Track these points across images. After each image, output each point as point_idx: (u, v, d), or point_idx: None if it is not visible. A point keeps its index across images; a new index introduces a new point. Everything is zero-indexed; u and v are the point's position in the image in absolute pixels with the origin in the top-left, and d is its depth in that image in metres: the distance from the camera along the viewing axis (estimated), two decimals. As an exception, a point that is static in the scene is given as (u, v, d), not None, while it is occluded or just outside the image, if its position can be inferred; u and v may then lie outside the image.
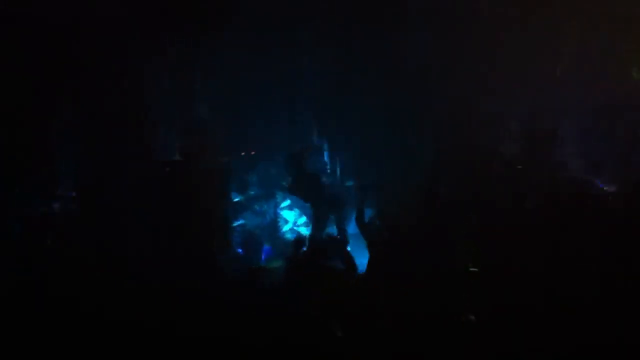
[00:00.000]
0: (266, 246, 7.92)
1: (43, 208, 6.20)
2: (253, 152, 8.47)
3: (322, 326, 4.15)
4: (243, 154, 8.37)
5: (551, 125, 7.52)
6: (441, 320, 4.12)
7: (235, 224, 7.90)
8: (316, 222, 7.40)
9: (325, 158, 8.92)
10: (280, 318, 4.23)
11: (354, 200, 6.89)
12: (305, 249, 6.57)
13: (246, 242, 7.81)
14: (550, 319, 4.09)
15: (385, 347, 3.98)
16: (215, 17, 7.38)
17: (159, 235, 6.04)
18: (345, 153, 8.76)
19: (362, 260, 5.62)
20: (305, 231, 8.19)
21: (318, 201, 7.46)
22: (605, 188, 6.50)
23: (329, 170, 8.84)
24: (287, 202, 8.50)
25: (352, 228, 6.83)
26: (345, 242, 6.08)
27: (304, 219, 8.38)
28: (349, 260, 5.43)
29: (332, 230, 7.34)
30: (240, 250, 7.66)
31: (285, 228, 8.42)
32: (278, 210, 8.50)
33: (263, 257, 7.73)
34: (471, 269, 4.80)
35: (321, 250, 5.43)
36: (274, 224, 8.40)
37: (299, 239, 6.37)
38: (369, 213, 6.50)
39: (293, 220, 8.48)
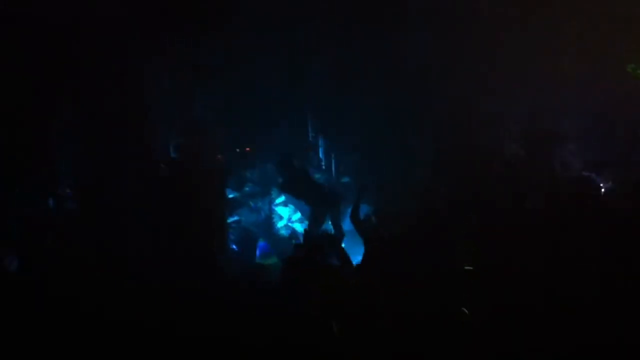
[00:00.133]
0: (261, 242, 7.93)
1: (43, 208, 6.20)
2: (248, 149, 8.48)
3: (322, 326, 4.15)
4: (238, 150, 8.38)
5: (551, 125, 7.53)
6: (441, 320, 4.12)
7: (230, 220, 7.91)
8: (312, 219, 7.41)
9: (321, 155, 8.95)
10: (280, 318, 4.23)
11: (349, 197, 6.90)
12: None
13: (241, 239, 7.83)
14: (550, 319, 4.08)
15: (385, 347, 3.98)
16: (215, 17, 7.38)
17: (158, 235, 6.04)
18: (342, 150, 8.78)
19: (357, 257, 5.64)
20: (299, 227, 8.20)
21: (313, 199, 7.47)
22: (604, 186, 6.52)
23: (324, 167, 8.87)
24: (282, 199, 8.51)
25: (347, 224, 6.84)
26: (340, 238, 6.08)
27: (298, 215, 8.40)
28: (344, 256, 5.44)
29: (328, 226, 7.36)
30: (235, 247, 7.67)
31: (280, 224, 8.43)
32: (273, 207, 8.50)
33: (258, 253, 7.74)
34: (466, 268, 4.79)
35: (317, 247, 5.44)
36: (269, 220, 8.40)
37: (298, 243, 6.42)
38: (364, 209, 6.51)
39: (288, 216, 8.49)
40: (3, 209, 5.88)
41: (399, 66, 7.94)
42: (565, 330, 4.00)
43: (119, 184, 6.42)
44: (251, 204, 8.46)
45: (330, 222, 7.42)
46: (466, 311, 4.16)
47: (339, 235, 6.80)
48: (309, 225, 7.38)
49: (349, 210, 6.38)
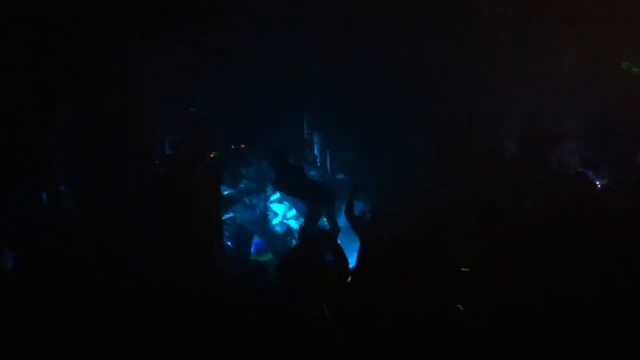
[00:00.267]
0: (256, 239, 7.93)
1: (43, 208, 6.20)
2: (243, 146, 8.49)
3: (322, 326, 4.15)
4: (233, 147, 8.39)
5: (551, 125, 7.53)
6: (441, 320, 4.12)
7: (225, 217, 7.91)
8: (307, 216, 7.41)
9: (316, 152, 8.96)
10: (279, 318, 4.23)
11: (345, 194, 6.89)
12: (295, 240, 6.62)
13: (236, 236, 7.83)
14: (550, 319, 4.08)
15: (385, 347, 3.98)
16: (215, 17, 7.38)
17: (158, 234, 6.04)
18: (339, 148, 8.79)
19: (352, 253, 5.65)
20: (294, 224, 8.20)
21: (307, 196, 7.45)
22: (600, 184, 6.53)
23: (319, 164, 8.88)
24: (277, 195, 8.51)
25: (342, 220, 6.84)
26: (335, 234, 6.07)
27: (293, 211, 8.40)
28: (340, 252, 5.44)
29: (323, 223, 7.36)
30: (229, 244, 7.67)
31: (275, 221, 8.43)
32: (268, 204, 8.50)
33: (253, 250, 7.74)
34: (463, 269, 4.79)
35: (314, 244, 5.45)
36: (264, 217, 8.40)
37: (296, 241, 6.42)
38: (358, 207, 6.51)
39: (283, 213, 8.49)
40: (3, 209, 5.87)
41: (399, 66, 7.94)
42: (565, 330, 4.00)
43: (118, 184, 6.42)
44: (246, 200, 8.46)
45: (325, 219, 7.43)
46: (461, 307, 4.16)
47: (335, 231, 6.78)
48: (304, 222, 7.37)
49: (344, 207, 6.36)
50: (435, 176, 6.89)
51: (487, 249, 5.02)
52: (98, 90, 6.64)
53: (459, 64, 7.80)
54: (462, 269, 4.79)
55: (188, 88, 8.01)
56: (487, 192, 5.99)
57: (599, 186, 6.64)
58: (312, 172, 8.66)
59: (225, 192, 8.14)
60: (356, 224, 5.92)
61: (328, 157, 8.89)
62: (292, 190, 7.66)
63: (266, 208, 8.51)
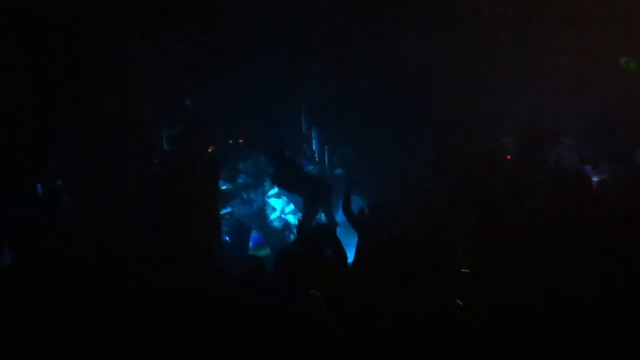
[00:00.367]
0: (254, 234, 7.93)
1: (43, 208, 6.20)
2: (241, 141, 8.50)
3: (322, 326, 4.15)
4: (231, 141, 8.40)
5: (550, 124, 7.53)
6: (441, 320, 4.12)
7: (223, 212, 7.91)
8: (305, 212, 7.40)
9: (314, 146, 8.97)
10: (279, 318, 4.23)
11: (342, 189, 6.88)
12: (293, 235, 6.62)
13: (234, 230, 7.83)
14: (550, 319, 4.08)
15: (385, 347, 3.98)
16: (215, 17, 7.38)
17: (158, 234, 6.04)
18: (336, 143, 8.79)
19: (350, 248, 5.66)
20: (292, 219, 8.20)
21: (304, 191, 7.44)
22: (598, 180, 6.54)
23: (317, 159, 8.89)
24: (275, 190, 8.51)
25: (340, 216, 6.85)
26: (334, 228, 6.06)
27: (291, 206, 8.40)
28: (339, 246, 5.45)
29: (321, 217, 7.37)
30: (227, 238, 7.67)
31: (273, 216, 8.42)
32: (266, 198, 8.50)
33: (251, 244, 7.74)
34: (463, 269, 4.80)
35: (312, 239, 5.46)
36: (262, 211, 8.40)
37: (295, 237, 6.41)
38: (356, 202, 6.50)
39: (281, 208, 8.48)
40: (3, 209, 5.87)
41: (399, 66, 7.94)
42: (565, 330, 4.00)
43: (118, 184, 6.42)
44: (244, 195, 8.46)
45: (323, 214, 7.42)
46: (460, 303, 4.16)
47: (332, 225, 6.77)
48: (302, 217, 7.37)
49: (341, 202, 6.35)
50: (435, 176, 6.89)
51: (487, 249, 5.02)
52: (98, 90, 6.64)
53: (459, 64, 7.79)
54: (462, 269, 4.79)
55: (188, 87, 8.02)
56: (487, 192, 5.99)
57: (598, 182, 6.65)
58: (310, 167, 8.66)
59: (223, 187, 8.14)
60: (354, 220, 5.92)
61: (326, 152, 8.89)
62: (290, 184, 7.64)
63: (264, 203, 8.50)
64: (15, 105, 6.19)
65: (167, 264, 5.46)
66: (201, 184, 6.41)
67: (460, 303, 4.14)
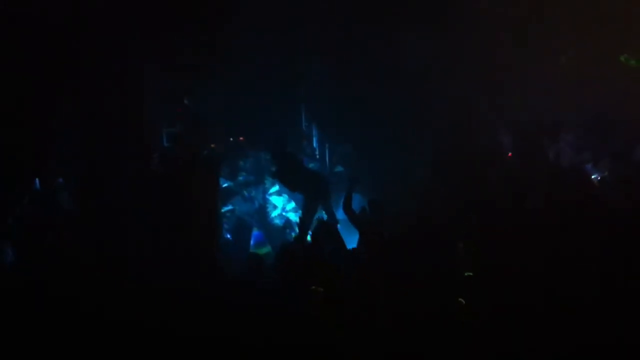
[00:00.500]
0: (255, 232, 7.93)
1: (43, 208, 6.20)
2: (242, 139, 8.51)
3: (322, 326, 4.15)
4: (231, 139, 8.41)
5: (550, 123, 7.53)
6: (441, 320, 4.12)
7: (224, 209, 7.91)
8: (304, 210, 7.39)
9: (314, 144, 8.98)
10: (279, 318, 4.23)
11: (342, 187, 6.88)
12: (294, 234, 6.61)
13: (235, 228, 7.83)
14: (550, 319, 4.08)
15: (385, 347, 3.98)
16: (215, 17, 7.39)
17: (158, 234, 6.04)
18: (336, 141, 8.80)
19: (351, 246, 5.67)
20: (294, 216, 8.19)
21: (304, 188, 7.43)
22: (598, 177, 6.54)
23: (317, 156, 8.89)
24: (276, 188, 8.51)
25: (340, 214, 6.85)
26: (335, 226, 6.07)
27: (292, 204, 8.39)
28: (340, 244, 5.46)
29: (322, 215, 7.37)
30: (229, 236, 7.67)
31: (274, 213, 8.42)
32: (267, 196, 8.50)
33: (252, 242, 7.74)
34: (463, 270, 4.80)
35: (314, 238, 5.47)
36: (263, 209, 8.40)
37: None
38: (357, 199, 6.50)
39: (282, 205, 8.48)
40: (3, 209, 5.87)
41: (399, 66, 7.94)
42: (565, 330, 4.00)
43: (118, 184, 6.42)
44: (245, 193, 8.46)
45: (323, 211, 7.42)
46: (462, 301, 4.16)
47: (333, 222, 6.76)
48: (302, 215, 7.36)
49: (342, 199, 6.35)
50: (435, 176, 6.89)
51: (487, 249, 5.02)
52: (98, 90, 6.64)
53: (459, 64, 7.79)
54: (462, 270, 4.79)
55: (188, 87, 8.03)
56: (487, 192, 5.99)
57: (598, 179, 6.66)
58: (311, 165, 8.66)
59: (224, 185, 8.15)
60: (355, 219, 5.92)
61: (326, 150, 8.90)
62: (291, 181, 7.60)
63: (265, 200, 8.50)
64: (15, 105, 6.19)
65: (167, 264, 5.45)
66: (201, 183, 6.41)
67: (463, 302, 4.15)
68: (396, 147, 7.95)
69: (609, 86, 7.81)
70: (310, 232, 7.29)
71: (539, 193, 5.81)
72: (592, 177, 6.81)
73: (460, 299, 4.19)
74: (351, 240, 5.84)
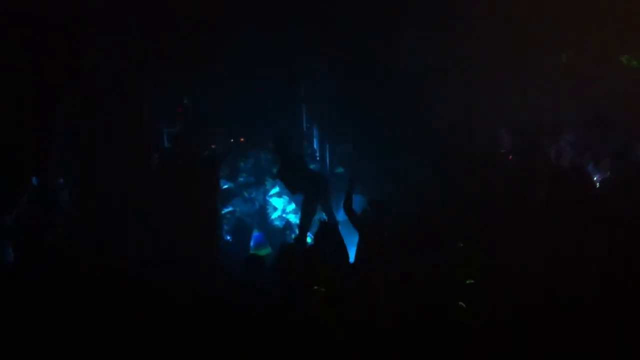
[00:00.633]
0: (255, 233, 7.93)
1: (43, 208, 6.19)
2: (242, 139, 8.51)
3: (322, 326, 4.15)
4: (232, 140, 8.41)
5: (550, 122, 7.53)
6: (441, 321, 4.12)
7: (225, 210, 7.91)
8: (303, 211, 7.37)
9: (315, 145, 8.98)
10: (279, 318, 4.23)
11: (342, 186, 6.87)
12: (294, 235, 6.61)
13: (235, 229, 7.83)
14: (550, 319, 4.09)
15: (385, 347, 3.98)
16: (215, 18, 7.39)
17: (158, 234, 6.03)
18: (337, 143, 8.80)
19: (351, 247, 5.67)
20: (294, 218, 8.19)
21: (304, 186, 7.39)
22: (600, 177, 6.54)
23: (317, 157, 8.89)
24: (276, 189, 8.50)
25: (341, 215, 6.83)
26: (336, 226, 6.06)
27: (292, 206, 8.39)
28: (341, 245, 5.45)
29: (322, 215, 7.35)
30: (229, 238, 7.67)
31: (274, 215, 8.42)
32: (267, 197, 8.51)
33: (252, 244, 7.74)
34: (463, 271, 4.79)
35: (315, 240, 5.47)
36: (263, 210, 8.40)
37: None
38: (357, 200, 6.49)
39: (282, 207, 8.48)
40: (3, 209, 5.87)
41: (399, 66, 7.94)
42: (565, 330, 4.00)
43: (118, 184, 6.42)
44: (245, 194, 8.46)
45: (322, 212, 7.41)
46: (463, 304, 4.17)
47: (333, 223, 6.75)
48: (301, 216, 7.35)
49: (342, 200, 6.34)
50: (435, 176, 6.88)
51: (487, 249, 5.02)
52: (98, 90, 6.64)
53: (459, 64, 7.79)
54: (462, 269, 4.79)
55: (187, 86, 8.03)
56: (487, 192, 5.99)
57: (600, 180, 6.66)
58: (312, 166, 8.65)
59: (225, 186, 8.15)
60: (355, 219, 5.91)
61: (327, 151, 8.90)
62: (293, 179, 7.53)
63: (265, 202, 8.49)
64: (15, 105, 6.19)
65: (167, 264, 5.45)
66: (201, 183, 6.41)
67: (463, 305, 4.15)
68: (396, 147, 7.94)
69: (609, 86, 7.82)
70: (310, 233, 7.32)
71: (539, 193, 5.81)
72: (593, 177, 6.80)
73: (460, 302, 4.18)
74: (351, 241, 5.83)
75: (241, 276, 5.22)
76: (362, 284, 4.91)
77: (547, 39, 7.96)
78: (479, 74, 7.81)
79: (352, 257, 5.65)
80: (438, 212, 5.68)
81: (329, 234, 5.61)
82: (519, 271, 4.58)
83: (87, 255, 5.33)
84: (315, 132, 9.04)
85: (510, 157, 7.36)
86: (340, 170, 8.65)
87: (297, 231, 7.51)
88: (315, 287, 4.40)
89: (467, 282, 4.69)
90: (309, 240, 7.24)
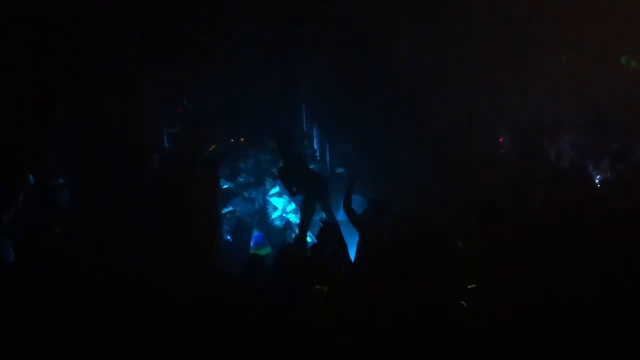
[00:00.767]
0: (255, 233, 7.94)
1: (43, 208, 6.19)
2: (242, 140, 8.52)
3: (322, 326, 4.15)
4: (232, 140, 8.42)
5: (551, 123, 7.54)
6: (441, 321, 4.12)
7: (225, 210, 7.92)
8: (302, 212, 7.36)
9: (315, 145, 8.98)
10: (280, 318, 4.23)
11: (342, 186, 6.86)
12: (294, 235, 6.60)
13: (235, 229, 7.84)
14: (550, 319, 4.08)
15: (385, 347, 3.98)
16: (215, 18, 7.39)
17: (158, 234, 6.03)
18: (337, 143, 8.80)
19: (351, 247, 5.67)
20: (294, 218, 8.20)
21: (305, 190, 7.39)
22: (601, 177, 6.54)
23: (318, 157, 8.90)
24: (276, 189, 8.51)
25: (341, 215, 6.83)
26: (337, 227, 6.06)
27: (292, 205, 8.39)
28: (342, 245, 5.45)
29: (322, 215, 7.36)
30: (229, 238, 7.68)
31: (275, 215, 8.42)
32: (267, 197, 8.51)
33: (252, 243, 7.74)
34: (463, 270, 4.80)
35: (319, 239, 5.46)
36: (263, 210, 8.41)
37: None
38: (357, 200, 6.48)
39: (282, 207, 8.48)
40: (3, 209, 5.87)
41: (399, 66, 7.95)
42: (565, 330, 4.00)
43: (118, 184, 6.42)
44: (245, 194, 8.47)
45: (323, 212, 7.41)
46: (464, 304, 4.16)
47: (334, 223, 6.75)
48: (301, 216, 7.35)
49: (342, 200, 6.33)
50: (435, 176, 6.89)
51: (487, 249, 5.02)
52: (98, 90, 6.64)
53: (458, 64, 7.80)
54: (462, 269, 4.79)
55: (187, 86, 8.04)
56: (487, 192, 5.99)
57: (600, 181, 6.66)
58: (312, 166, 8.66)
59: (225, 186, 8.16)
60: (355, 219, 5.91)
61: (327, 151, 8.91)
62: (294, 179, 7.51)
63: (265, 202, 8.50)
64: (15, 105, 6.20)
65: (167, 264, 5.45)
66: (201, 183, 6.41)
67: (465, 304, 4.15)
68: (396, 147, 7.95)
69: (609, 86, 7.82)
70: (310, 233, 7.32)
71: (539, 193, 5.81)
72: (593, 177, 6.81)
73: (462, 302, 4.18)
74: (351, 241, 5.83)
75: (241, 276, 5.22)
76: (362, 284, 4.90)
77: (547, 39, 7.96)
78: (479, 74, 7.81)
79: (352, 257, 5.65)
80: (438, 212, 5.68)
81: (330, 234, 5.61)
82: (519, 271, 4.57)
83: (87, 255, 5.33)
84: (315, 132, 9.05)
85: (510, 157, 7.37)
86: (340, 170, 8.66)
87: (297, 231, 7.51)
88: (318, 287, 4.40)
89: (468, 286, 4.69)
90: (309, 239, 7.25)
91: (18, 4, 6.23)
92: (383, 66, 8.02)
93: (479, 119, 7.80)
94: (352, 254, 5.67)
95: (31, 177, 6.23)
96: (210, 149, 7.91)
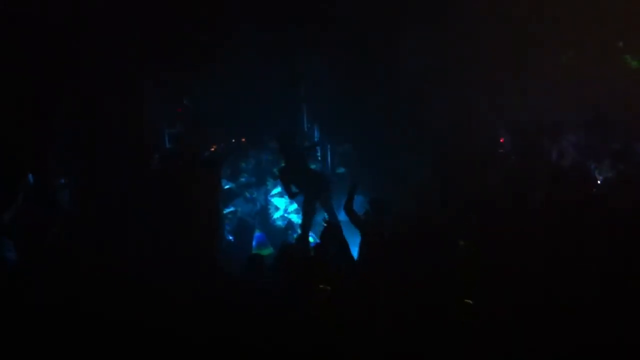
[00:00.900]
0: (257, 233, 7.95)
1: (43, 207, 6.20)
2: (244, 140, 8.53)
3: (322, 326, 4.16)
4: (234, 140, 8.43)
5: (551, 123, 7.54)
6: (441, 321, 4.12)
7: (226, 210, 7.93)
8: (304, 212, 7.36)
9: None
10: (280, 318, 4.23)
11: (344, 187, 6.87)
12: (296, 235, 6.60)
13: (237, 229, 7.85)
14: (550, 319, 4.08)
15: (385, 347, 3.98)
16: (215, 18, 7.39)
17: (158, 234, 6.04)
18: (338, 143, 8.81)
19: (353, 247, 5.68)
20: (295, 218, 8.20)
21: (305, 190, 7.38)
22: (602, 177, 6.54)
23: (319, 157, 8.91)
24: (278, 189, 8.52)
25: (342, 215, 6.84)
26: (339, 227, 6.07)
27: (294, 206, 8.41)
28: (344, 246, 5.46)
29: (324, 215, 7.37)
30: (231, 238, 7.69)
31: (276, 215, 8.44)
32: (269, 198, 8.52)
33: (254, 243, 7.75)
34: (463, 269, 4.79)
35: (322, 239, 5.48)
36: (265, 210, 8.42)
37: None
38: (358, 200, 6.50)
39: (284, 207, 8.49)
40: (3, 209, 5.87)
41: (399, 66, 7.95)
42: (565, 330, 4.00)
43: (118, 184, 6.42)
44: (247, 194, 8.48)
45: (324, 211, 7.42)
46: (470, 302, 4.17)
47: (336, 223, 6.76)
48: (302, 216, 7.35)
49: (343, 201, 6.35)
50: (435, 176, 6.89)
51: (487, 249, 5.02)
52: (98, 90, 6.64)
53: (458, 64, 7.80)
54: (463, 271, 4.79)
55: (187, 86, 8.04)
56: (487, 192, 5.99)
57: (602, 181, 6.67)
58: (313, 166, 8.67)
59: (226, 186, 8.17)
60: (356, 220, 5.92)
61: (328, 151, 8.92)
62: (296, 178, 7.50)
63: (267, 202, 8.51)
64: (15, 105, 6.19)
65: (167, 264, 5.45)
66: (201, 183, 6.41)
67: (470, 302, 4.15)
68: (396, 147, 7.95)
69: (609, 86, 7.82)
70: (312, 233, 7.33)
71: (539, 193, 5.81)
72: (593, 177, 6.81)
73: (466, 300, 4.18)
74: (352, 241, 5.83)
75: (241, 276, 5.22)
76: (362, 284, 4.91)
77: (547, 39, 7.96)
78: (479, 74, 7.81)
79: (354, 257, 5.66)
80: (438, 212, 5.68)
81: (332, 234, 5.62)
82: (519, 271, 4.57)
83: (87, 255, 5.33)
84: (315, 132, 9.06)
85: (510, 156, 7.38)
86: (341, 170, 8.67)
87: (299, 231, 7.52)
88: (321, 286, 4.40)
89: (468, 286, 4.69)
90: (311, 239, 7.26)
91: (18, 4, 6.23)
92: (383, 66, 8.02)
93: (479, 119, 7.80)
94: (354, 254, 5.68)
95: (31, 177, 6.24)
96: (212, 149, 7.92)
